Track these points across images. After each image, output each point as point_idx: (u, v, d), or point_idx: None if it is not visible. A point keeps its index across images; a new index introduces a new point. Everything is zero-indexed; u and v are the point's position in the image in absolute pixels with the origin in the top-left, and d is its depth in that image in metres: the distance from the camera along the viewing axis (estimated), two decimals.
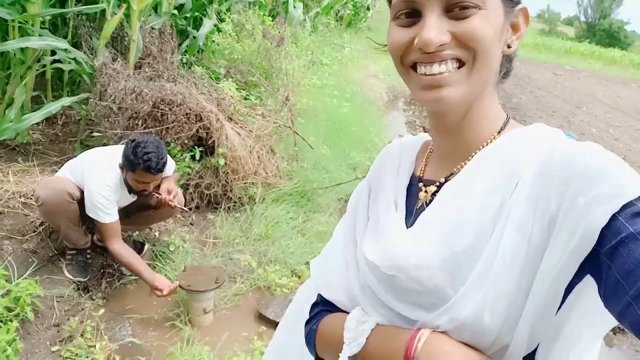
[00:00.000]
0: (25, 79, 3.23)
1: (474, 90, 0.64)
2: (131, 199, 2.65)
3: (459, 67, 0.62)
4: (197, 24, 5.23)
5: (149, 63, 3.64)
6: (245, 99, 4.37)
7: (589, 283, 0.54)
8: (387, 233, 0.71)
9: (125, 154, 2.35)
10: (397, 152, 0.81)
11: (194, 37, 4.71)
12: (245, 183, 3.62)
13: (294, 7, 6.98)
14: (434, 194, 0.70)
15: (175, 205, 2.69)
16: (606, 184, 0.52)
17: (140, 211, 2.82)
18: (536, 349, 0.59)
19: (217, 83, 4.23)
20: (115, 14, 3.21)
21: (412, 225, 0.69)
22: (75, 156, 2.63)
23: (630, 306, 0.48)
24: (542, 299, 0.55)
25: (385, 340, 0.66)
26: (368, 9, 13.99)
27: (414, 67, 0.64)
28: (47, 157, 3.37)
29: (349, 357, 0.69)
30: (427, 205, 0.70)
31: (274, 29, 4.41)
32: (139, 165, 2.31)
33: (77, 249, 2.66)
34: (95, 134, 2.96)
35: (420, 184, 0.74)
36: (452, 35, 0.60)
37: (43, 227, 2.80)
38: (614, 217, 0.51)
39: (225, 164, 3.48)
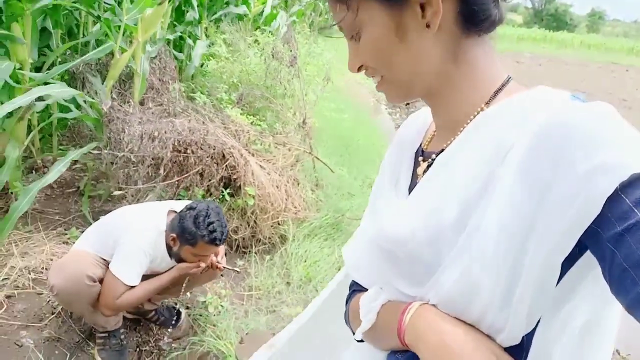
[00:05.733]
0: (16, 132, 2.75)
1: (409, 87, 0.65)
2: (172, 263, 2.27)
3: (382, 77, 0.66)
4: (183, 48, 4.82)
5: (152, 97, 3.23)
6: (253, 124, 4.01)
7: (592, 261, 0.50)
8: (380, 207, 0.73)
9: (184, 226, 1.97)
10: (412, 125, 0.80)
11: (188, 61, 4.30)
12: (276, 222, 3.27)
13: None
14: (426, 169, 0.69)
15: (224, 267, 2.32)
16: (612, 151, 0.47)
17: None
18: (536, 327, 0.56)
19: (223, 108, 3.84)
20: (125, 49, 2.75)
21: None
22: (83, 215, 2.21)
23: None
24: (537, 273, 0.51)
25: (390, 315, 0.66)
26: None
27: None
28: (49, 218, 2.91)
29: (363, 333, 0.71)
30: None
31: (283, 48, 4.05)
32: (204, 237, 1.94)
33: (108, 331, 2.25)
34: (115, 192, 2.53)
35: (420, 158, 0.72)
36: None
37: (62, 306, 2.37)
38: (620, 198, 0.46)
39: (254, 203, 3.12)
